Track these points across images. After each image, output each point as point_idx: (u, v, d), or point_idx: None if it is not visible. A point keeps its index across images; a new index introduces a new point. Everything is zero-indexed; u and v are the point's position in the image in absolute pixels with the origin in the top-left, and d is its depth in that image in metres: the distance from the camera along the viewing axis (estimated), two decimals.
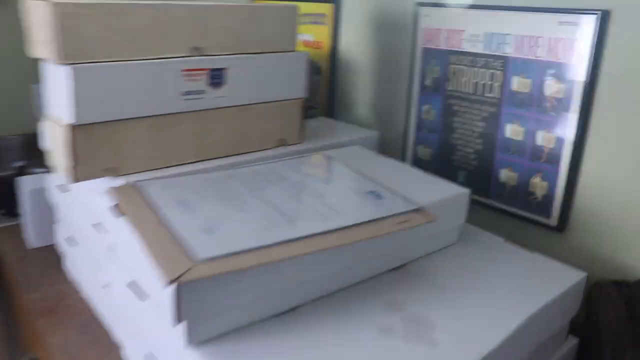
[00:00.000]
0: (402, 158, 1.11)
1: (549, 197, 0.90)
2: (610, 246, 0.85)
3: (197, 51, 0.84)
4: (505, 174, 0.95)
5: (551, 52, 0.86)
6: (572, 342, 0.82)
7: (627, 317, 0.80)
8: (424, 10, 1.03)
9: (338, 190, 0.79)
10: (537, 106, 0.89)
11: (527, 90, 0.90)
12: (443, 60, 1.01)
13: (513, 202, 0.95)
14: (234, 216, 0.68)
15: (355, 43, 1.20)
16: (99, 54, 0.74)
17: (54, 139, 0.82)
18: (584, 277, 0.78)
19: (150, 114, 0.80)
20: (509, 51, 0.91)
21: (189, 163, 0.86)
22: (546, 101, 0.88)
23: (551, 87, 0.87)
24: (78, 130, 0.75)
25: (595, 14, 0.80)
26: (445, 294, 0.71)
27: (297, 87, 0.96)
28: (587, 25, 0.81)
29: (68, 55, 0.72)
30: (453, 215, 0.83)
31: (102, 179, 0.79)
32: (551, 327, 0.75)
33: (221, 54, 0.86)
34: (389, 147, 1.14)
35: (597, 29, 0.80)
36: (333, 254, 0.67)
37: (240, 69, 0.88)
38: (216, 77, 0.86)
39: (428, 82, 1.05)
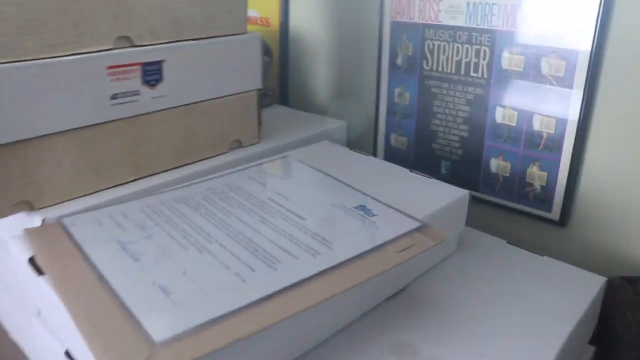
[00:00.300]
0: (373, 149, 0.98)
1: (549, 188, 0.79)
2: (618, 240, 0.76)
3: (124, 42, 0.66)
4: (497, 164, 0.83)
5: (549, 25, 0.74)
6: (589, 351, 0.73)
7: None
8: None
9: (318, 207, 0.64)
10: (533, 86, 0.77)
11: (520, 69, 0.78)
12: (417, 35, 0.87)
13: (506, 194, 0.83)
14: (194, 262, 0.52)
15: (309, 19, 1.04)
16: None
17: None
18: (604, 282, 0.69)
19: (71, 127, 0.62)
20: (497, 23, 0.78)
21: (127, 183, 0.69)
22: (544, 80, 0.76)
23: (550, 63, 0.75)
24: None
25: None
26: (460, 326, 0.59)
27: (251, 77, 0.80)
28: None
29: None
30: (453, 223, 0.71)
31: (14, 216, 0.61)
32: (580, 342, 0.65)
33: (155, 43, 0.68)
34: (357, 137, 1.00)
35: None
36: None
37: (180, 61, 0.71)
38: (151, 73, 0.68)
39: (400, 61, 0.91)
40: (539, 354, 0.55)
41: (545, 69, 0.75)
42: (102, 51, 0.63)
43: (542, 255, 0.73)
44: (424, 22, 0.86)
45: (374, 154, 0.97)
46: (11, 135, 0.58)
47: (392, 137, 0.95)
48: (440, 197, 0.69)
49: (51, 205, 0.63)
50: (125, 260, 0.52)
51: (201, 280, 0.50)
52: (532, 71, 0.76)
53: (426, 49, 0.87)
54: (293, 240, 0.57)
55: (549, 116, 0.76)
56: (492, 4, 0.78)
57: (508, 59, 0.78)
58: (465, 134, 0.86)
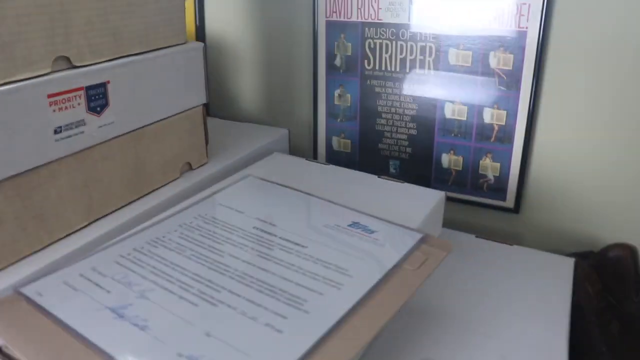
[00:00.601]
0: (314, 154, 0.94)
1: (502, 178, 0.81)
2: (570, 219, 0.80)
3: (63, 63, 0.55)
4: (449, 159, 0.84)
5: (495, 20, 0.75)
6: None
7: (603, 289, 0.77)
8: None
9: (312, 231, 0.59)
10: (481, 81, 0.78)
11: (468, 64, 0.78)
12: (356, 34, 0.84)
13: (460, 187, 0.84)
14: (213, 320, 0.45)
15: (227, 20, 0.96)
16: None
17: None
18: (574, 262, 0.72)
19: (10, 175, 0.51)
20: (441, 20, 0.78)
21: (78, 230, 0.58)
22: (493, 74, 0.77)
23: (498, 58, 0.76)
24: None
25: None
26: (464, 327, 0.58)
27: (196, 91, 0.72)
28: None
29: None
30: (434, 225, 0.69)
31: None
32: None
33: (96, 62, 0.58)
34: (295, 143, 0.95)
35: None
36: None
37: (125, 80, 0.61)
38: (96, 98, 0.58)
39: (338, 61, 0.87)
40: (553, 343, 0.56)
41: (493, 63, 0.77)
42: (40, 76, 0.52)
43: (511, 245, 0.75)
44: (364, 20, 0.83)
45: (315, 159, 0.93)
46: None
47: (335, 140, 0.92)
48: (421, 202, 0.68)
49: None
50: (130, 332, 0.43)
51: (232, 339, 0.43)
52: (480, 66, 0.77)
53: (367, 48, 0.84)
54: (306, 273, 0.52)
55: (499, 109, 0.78)
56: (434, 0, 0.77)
57: (455, 55, 0.79)
58: (414, 132, 0.85)
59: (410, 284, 0.51)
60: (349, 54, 0.86)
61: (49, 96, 0.53)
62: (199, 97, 0.72)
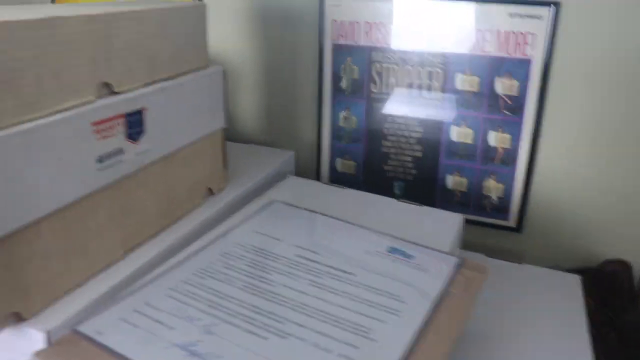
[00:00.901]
0: (317, 175, 0.94)
1: (505, 199, 0.85)
2: (569, 236, 0.84)
3: (105, 89, 0.53)
4: (453, 180, 0.87)
5: (501, 47, 0.78)
6: None
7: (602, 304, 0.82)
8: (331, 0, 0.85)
9: (354, 257, 0.59)
10: (487, 105, 0.81)
11: (474, 89, 0.81)
12: (363, 58, 0.86)
13: (464, 208, 0.87)
14: (287, 353, 0.45)
15: (230, 41, 0.95)
16: None
17: None
18: (580, 279, 0.76)
19: (58, 207, 0.48)
20: (449, 46, 0.81)
21: (116, 261, 0.56)
22: (498, 100, 0.81)
23: (503, 84, 0.80)
24: None
25: (548, 5, 0.74)
26: (499, 355, 0.60)
27: (217, 114, 0.71)
28: (541, 18, 0.75)
29: None
30: (455, 248, 0.71)
31: (4, 333, 0.45)
32: None
33: (134, 87, 0.56)
34: (298, 164, 0.95)
35: (552, 20, 0.75)
36: None
37: (158, 105, 0.59)
38: (134, 125, 0.56)
39: (344, 84, 0.88)
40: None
41: (499, 88, 0.80)
42: (86, 104, 0.50)
43: (520, 263, 0.78)
44: (371, 44, 0.85)
45: (317, 180, 0.94)
46: None
47: (339, 161, 0.92)
48: (444, 225, 0.69)
49: (42, 311, 0.48)
50: None
51: None
52: (486, 91, 0.81)
53: (374, 72, 0.86)
54: (363, 301, 0.52)
55: (504, 132, 0.82)
56: (443, 27, 0.80)
57: (462, 80, 0.81)
58: (419, 154, 0.87)
59: (462, 308, 0.53)
60: (356, 77, 0.87)
61: (93, 124, 0.51)
62: (220, 121, 0.71)
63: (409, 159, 0.88)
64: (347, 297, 0.52)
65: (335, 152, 0.92)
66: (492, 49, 0.79)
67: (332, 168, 0.93)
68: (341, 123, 0.90)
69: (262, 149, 0.92)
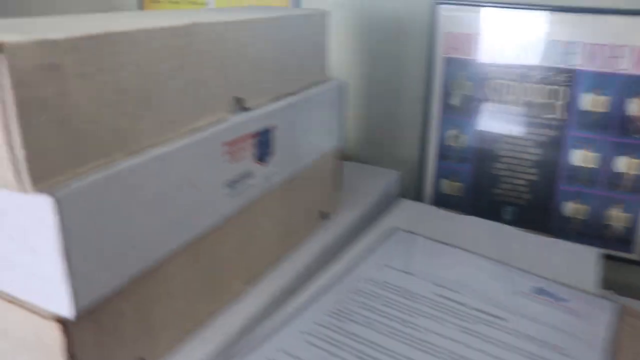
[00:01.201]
0: (418, 196, 0.88)
1: (631, 230, 0.77)
2: None
3: (237, 104, 0.48)
4: (572, 207, 0.79)
5: (638, 64, 0.71)
6: None
7: None
8: (445, 10, 0.79)
9: (500, 299, 0.53)
10: (617, 128, 0.74)
11: (603, 110, 0.74)
12: (477, 73, 0.79)
13: (580, 237, 0.79)
14: None
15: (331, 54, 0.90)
16: (86, 158, 0.35)
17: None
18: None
19: (187, 241, 0.43)
20: (578, 63, 0.74)
21: (239, 295, 0.51)
22: (629, 122, 0.73)
23: (637, 105, 0.72)
24: (80, 326, 0.36)
25: None
26: None
27: (336, 132, 0.65)
28: None
29: (36, 174, 0.32)
30: (597, 288, 0.64)
31: None
32: None
33: (263, 103, 0.52)
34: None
35: None
36: None
37: (287, 123, 0.54)
38: (264, 146, 0.51)
39: (455, 101, 0.82)
40: None
41: (632, 110, 0.72)
42: (220, 122, 0.45)
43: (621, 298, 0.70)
44: (487, 59, 0.78)
45: (419, 201, 0.87)
46: (128, 272, 0.38)
47: (444, 182, 0.86)
48: (583, 262, 0.62)
49: (168, 354, 0.43)
50: None
51: None
52: (616, 112, 0.73)
53: (489, 88, 0.79)
54: (523, 353, 0.45)
55: (635, 158, 0.74)
56: (573, 42, 0.73)
57: (589, 100, 0.74)
58: (534, 177, 0.80)
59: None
60: (468, 93, 0.81)
61: (224, 144, 0.46)
62: (338, 139, 0.66)
63: (523, 182, 0.81)
64: (504, 348, 0.46)
65: (440, 173, 0.86)
66: (628, 67, 0.71)
67: (437, 189, 0.87)
68: (449, 142, 0.84)
69: (362, 167, 0.86)
